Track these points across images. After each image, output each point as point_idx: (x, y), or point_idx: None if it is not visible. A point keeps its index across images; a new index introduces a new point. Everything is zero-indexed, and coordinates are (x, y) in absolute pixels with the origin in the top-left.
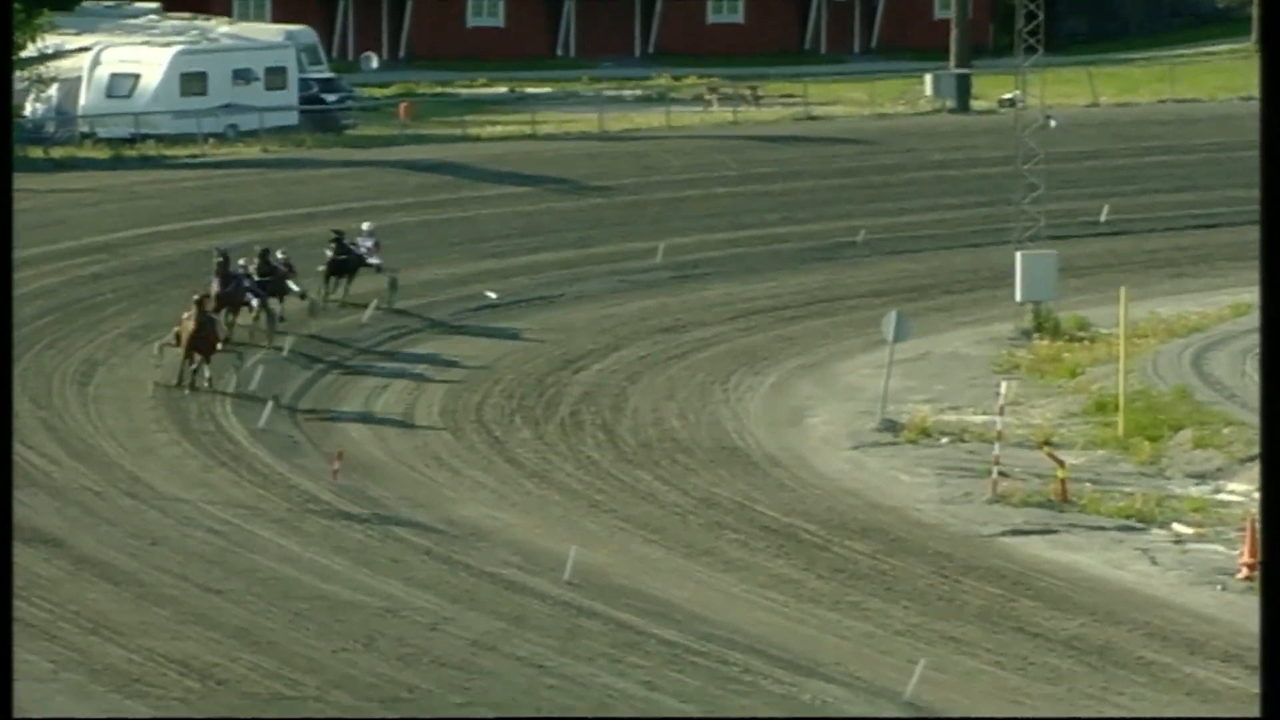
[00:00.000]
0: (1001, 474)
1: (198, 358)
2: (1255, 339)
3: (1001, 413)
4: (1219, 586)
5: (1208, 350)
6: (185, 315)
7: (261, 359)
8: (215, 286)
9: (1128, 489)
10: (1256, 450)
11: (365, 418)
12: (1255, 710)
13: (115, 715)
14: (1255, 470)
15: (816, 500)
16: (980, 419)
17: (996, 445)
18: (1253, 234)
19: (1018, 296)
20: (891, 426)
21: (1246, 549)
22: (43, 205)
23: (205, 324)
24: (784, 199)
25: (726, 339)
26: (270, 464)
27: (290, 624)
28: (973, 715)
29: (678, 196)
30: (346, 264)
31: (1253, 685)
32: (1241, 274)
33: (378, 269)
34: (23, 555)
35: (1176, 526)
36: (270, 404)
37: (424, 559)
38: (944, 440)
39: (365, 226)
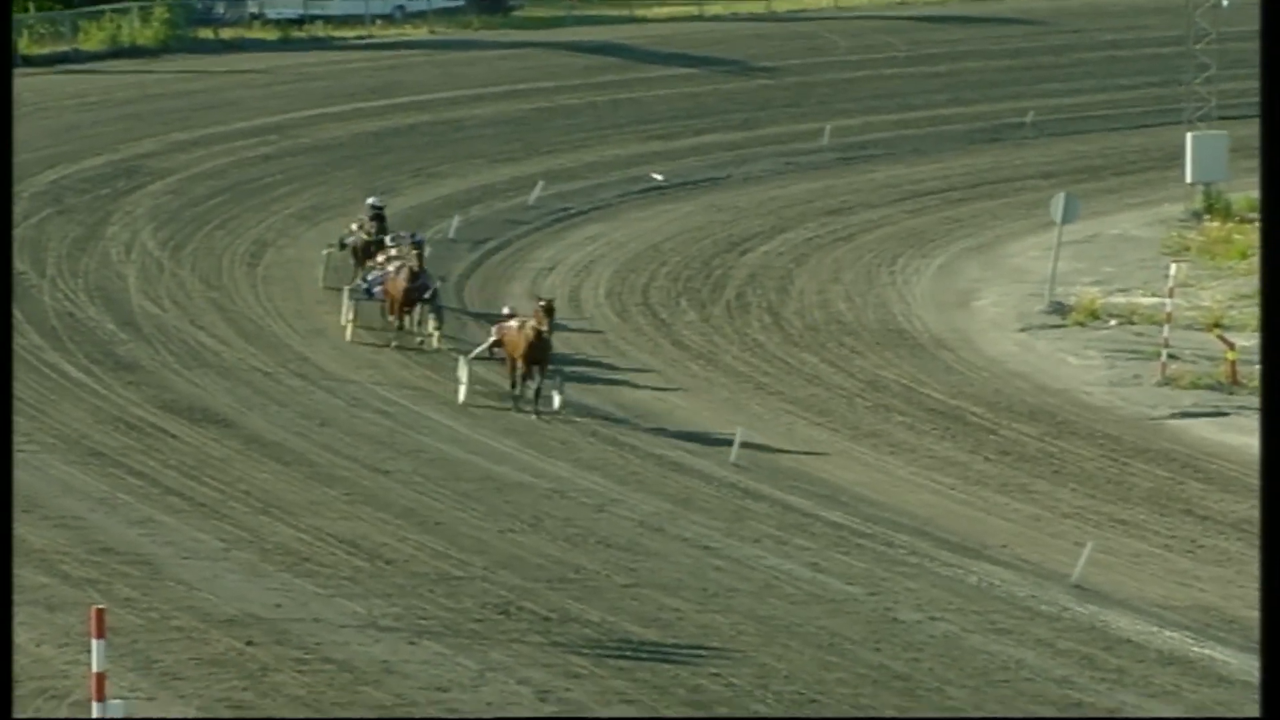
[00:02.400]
0: (1171, 356)
1: (534, 370)
2: None
3: (1171, 295)
4: None
5: None
6: (512, 324)
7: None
8: (403, 281)
9: None
10: None
11: (532, 299)
12: None
13: (284, 592)
14: None
15: (984, 383)
16: (1149, 301)
17: (1166, 327)
18: None
19: (1188, 177)
20: (1060, 309)
21: None
22: (213, 86)
23: (539, 337)
24: (952, 80)
25: (893, 221)
26: (437, 345)
27: (458, 504)
28: (1142, 598)
29: (845, 78)
30: (381, 245)
31: None
32: None
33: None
34: (193, 435)
35: None
36: (438, 283)
37: (591, 441)
38: (1113, 322)
39: (371, 200)
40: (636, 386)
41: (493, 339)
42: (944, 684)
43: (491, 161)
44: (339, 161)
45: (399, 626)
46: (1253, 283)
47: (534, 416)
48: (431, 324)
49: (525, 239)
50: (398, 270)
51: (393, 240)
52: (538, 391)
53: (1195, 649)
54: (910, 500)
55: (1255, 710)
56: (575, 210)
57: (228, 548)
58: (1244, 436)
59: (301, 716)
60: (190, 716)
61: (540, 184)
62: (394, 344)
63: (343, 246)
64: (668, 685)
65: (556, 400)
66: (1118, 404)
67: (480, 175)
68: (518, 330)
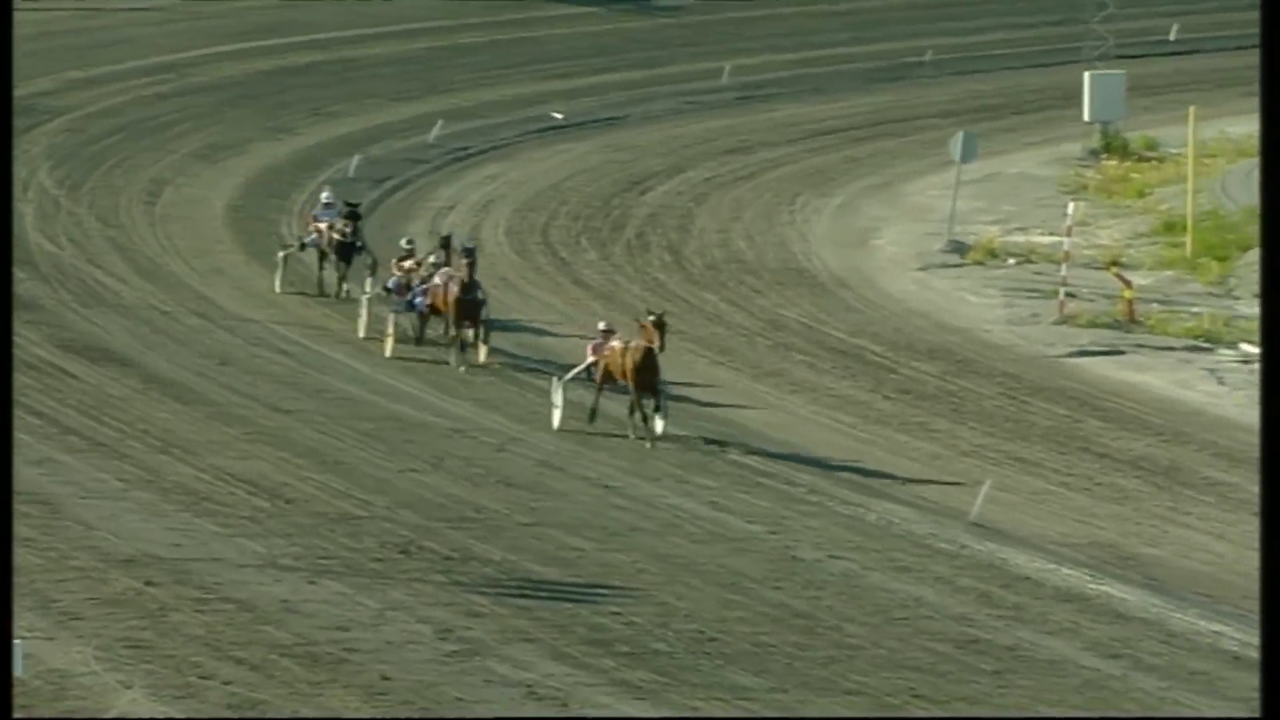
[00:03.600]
0: (1069, 295)
1: (647, 393)
2: None
3: (1069, 233)
4: None
5: None
6: (615, 344)
7: (330, 179)
8: (454, 290)
9: (1195, 309)
10: None
11: (432, 237)
12: None
13: (184, 532)
14: None
15: (884, 321)
16: (1048, 240)
17: (1064, 266)
18: None
19: (1086, 116)
20: (959, 247)
21: None
22: (109, 24)
23: (650, 356)
24: (853, 18)
25: (794, 160)
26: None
27: (359, 444)
28: (1040, 536)
29: (745, 16)
30: (353, 248)
31: None
32: None
33: (359, 248)
34: (92, 374)
35: (1244, 346)
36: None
37: (492, 380)
38: (1011, 261)
39: (324, 196)
40: (537, 326)
41: (590, 360)
42: (844, 621)
43: (390, 100)
44: (235, 100)
45: (299, 566)
46: (1149, 221)
47: (647, 445)
48: (479, 337)
49: (425, 178)
50: (446, 280)
51: (408, 244)
52: (645, 416)
53: (1093, 586)
54: (811, 439)
55: (1154, 646)
56: (474, 149)
57: (127, 487)
58: (1141, 374)
59: (201, 657)
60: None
61: (439, 123)
62: (464, 369)
63: (303, 247)
64: (568, 624)
65: (659, 425)
66: (1017, 342)
67: (379, 114)
68: (622, 351)
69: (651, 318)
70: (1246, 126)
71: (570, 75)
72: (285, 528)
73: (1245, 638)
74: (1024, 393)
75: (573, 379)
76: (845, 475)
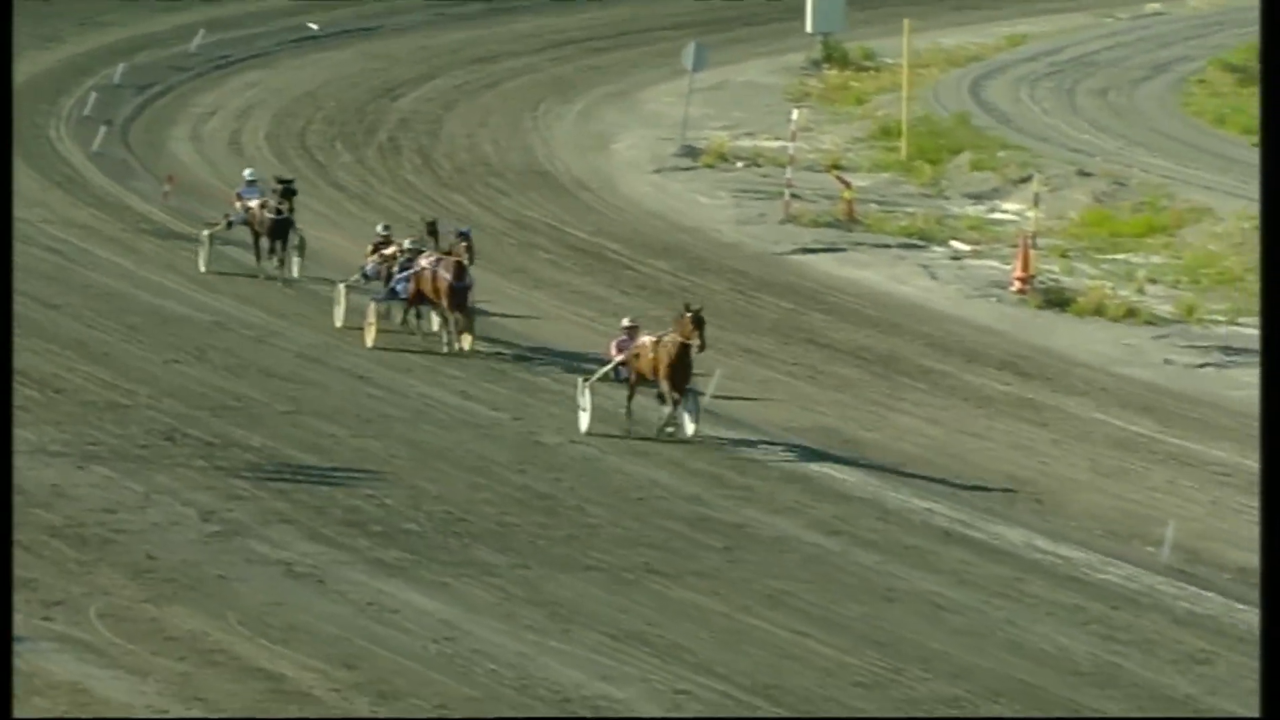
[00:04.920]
0: (793, 196)
1: (674, 395)
2: (1030, 68)
3: (793, 138)
4: (994, 299)
5: (985, 79)
6: (645, 340)
7: (95, 86)
8: (446, 275)
9: (910, 209)
10: (1029, 172)
11: (194, 141)
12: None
13: None
14: (1027, 191)
15: (622, 221)
16: (774, 144)
17: (788, 169)
18: None
19: (809, 28)
20: (691, 152)
21: (1019, 264)
22: None
23: (686, 353)
24: None
25: (537, 69)
26: (105, 186)
27: (125, 337)
28: (767, 421)
29: None
30: (288, 224)
31: (1026, 391)
32: (1018, 6)
33: (292, 226)
34: None
35: (955, 243)
36: (104, 128)
37: (250, 278)
38: (740, 164)
39: (247, 174)
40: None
41: (619, 359)
42: (584, 503)
43: (155, 11)
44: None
45: (68, 452)
46: (867, 127)
47: (688, 440)
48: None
49: (187, 85)
50: (435, 265)
51: (384, 229)
52: (672, 416)
53: (815, 468)
54: (554, 332)
55: (871, 523)
56: (235, 58)
57: None
58: (860, 270)
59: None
60: None
61: (201, 32)
62: (446, 349)
63: (230, 225)
64: (325, 506)
65: (690, 428)
66: (745, 241)
67: (143, 24)
68: (653, 346)
69: (689, 313)
70: (957, 38)
71: None
72: (55, 416)
73: (954, 514)
74: (752, 288)
75: (600, 380)
76: (585, 365)
